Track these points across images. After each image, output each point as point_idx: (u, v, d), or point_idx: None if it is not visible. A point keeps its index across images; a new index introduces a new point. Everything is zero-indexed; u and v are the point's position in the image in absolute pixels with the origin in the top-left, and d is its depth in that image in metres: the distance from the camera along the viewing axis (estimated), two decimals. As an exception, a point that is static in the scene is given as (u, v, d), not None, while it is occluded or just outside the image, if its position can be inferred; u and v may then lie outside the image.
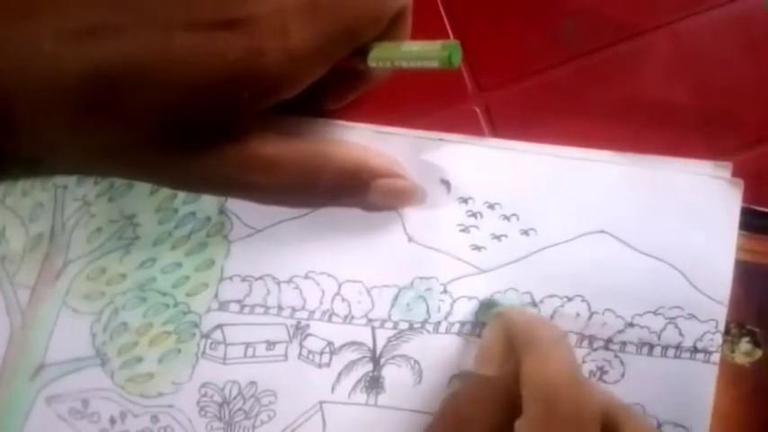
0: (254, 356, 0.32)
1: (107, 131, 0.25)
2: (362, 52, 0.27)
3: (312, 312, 0.32)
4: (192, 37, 0.24)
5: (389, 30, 0.27)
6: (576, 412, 0.24)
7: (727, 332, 0.31)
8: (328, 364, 0.32)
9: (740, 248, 0.31)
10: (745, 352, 0.31)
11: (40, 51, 0.23)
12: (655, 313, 0.31)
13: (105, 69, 0.23)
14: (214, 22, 0.24)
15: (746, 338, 0.31)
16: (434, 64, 0.26)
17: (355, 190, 0.30)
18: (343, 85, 0.31)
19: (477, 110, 0.33)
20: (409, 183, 0.31)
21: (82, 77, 0.23)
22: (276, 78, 0.25)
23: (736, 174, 0.32)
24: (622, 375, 0.31)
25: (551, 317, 0.31)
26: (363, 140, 0.32)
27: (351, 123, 0.32)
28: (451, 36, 0.33)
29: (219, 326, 0.32)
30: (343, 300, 0.32)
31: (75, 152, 0.26)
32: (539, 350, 0.26)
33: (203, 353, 0.32)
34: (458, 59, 0.26)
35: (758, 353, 0.31)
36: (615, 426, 0.26)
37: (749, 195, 0.32)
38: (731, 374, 0.31)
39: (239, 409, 0.31)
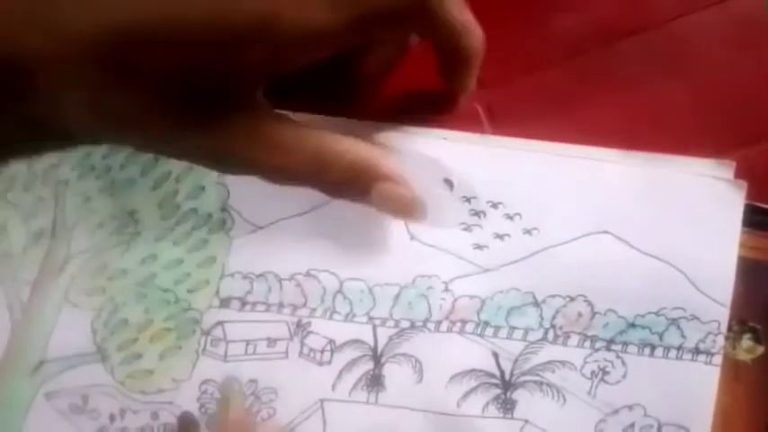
0: (254, 354, 0.31)
1: (122, 94, 0.25)
2: None
3: (313, 310, 0.32)
4: None
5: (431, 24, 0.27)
6: None
7: (729, 329, 0.31)
8: (329, 362, 0.31)
9: (743, 245, 0.31)
10: (746, 348, 0.31)
11: (59, 11, 0.23)
12: (657, 314, 0.31)
13: (121, 30, 0.23)
14: None
15: (748, 335, 0.31)
16: None
17: (358, 189, 0.29)
18: (385, 53, 0.30)
19: (478, 107, 0.33)
20: (411, 194, 0.29)
21: (97, 39, 0.23)
22: (289, 47, 0.25)
23: (739, 171, 0.32)
24: (624, 376, 0.31)
25: (554, 317, 0.31)
26: (366, 138, 0.32)
27: (354, 121, 0.32)
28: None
29: (220, 323, 0.32)
30: (345, 298, 0.32)
31: (90, 117, 0.26)
32: None
33: (204, 350, 0.31)
34: None
35: (760, 349, 0.31)
36: None
37: (752, 192, 0.31)
38: (733, 371, 0.31)
39: (239, 407, 0.31)
